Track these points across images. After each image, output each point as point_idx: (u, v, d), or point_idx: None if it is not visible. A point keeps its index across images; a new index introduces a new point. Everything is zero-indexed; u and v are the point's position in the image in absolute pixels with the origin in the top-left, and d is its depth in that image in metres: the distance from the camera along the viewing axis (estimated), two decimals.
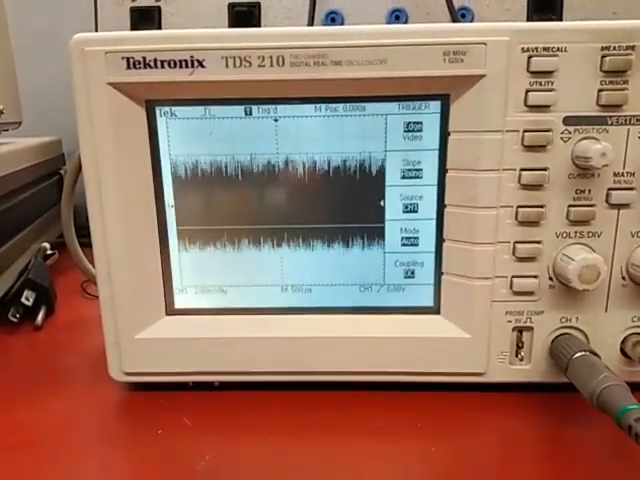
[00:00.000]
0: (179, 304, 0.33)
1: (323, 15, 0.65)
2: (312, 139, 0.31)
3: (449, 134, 0.30)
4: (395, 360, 0.32)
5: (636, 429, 0.23)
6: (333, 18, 0.65)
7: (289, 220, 0.32)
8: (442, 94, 0.29)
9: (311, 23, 0.62)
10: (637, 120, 0.28)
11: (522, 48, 0.28)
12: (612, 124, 0.28)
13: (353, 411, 0.31)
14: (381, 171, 0.31)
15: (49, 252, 0.53)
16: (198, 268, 0.33)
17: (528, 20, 0.64)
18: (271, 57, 0.27)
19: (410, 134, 0.31)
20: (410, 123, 0.30)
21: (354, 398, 0.32)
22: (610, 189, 0.29)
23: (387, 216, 0.32)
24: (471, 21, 0.64)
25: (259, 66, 0.28)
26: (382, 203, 0.32)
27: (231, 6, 0.66)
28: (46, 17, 0.73)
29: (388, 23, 0.64)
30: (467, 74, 0.28)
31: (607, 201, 0.29)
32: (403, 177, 0.31)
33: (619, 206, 0.29)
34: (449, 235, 0.31)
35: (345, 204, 0.32)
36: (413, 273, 0.33)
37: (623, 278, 0.30)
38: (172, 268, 0.33)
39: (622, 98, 0.28)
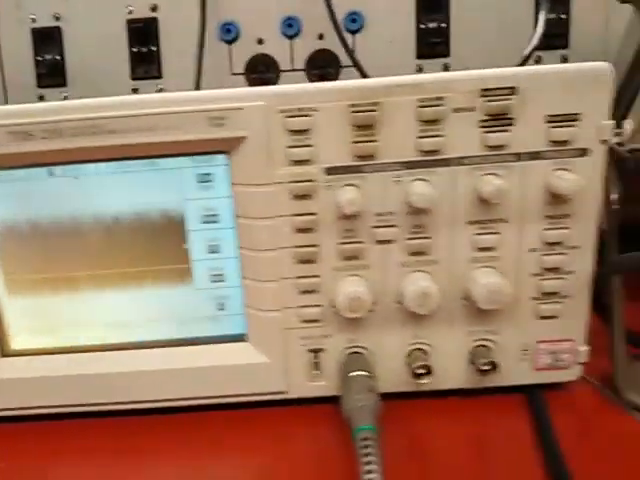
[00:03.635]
0: (14, 345, 0.37)
1: (219, 27, 0.67)
2: (114, 193, 0.34)
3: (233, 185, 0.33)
4: (209, 386, 0.35)
5: (359, 446, 0.27)
6: (229, 29, 0.67)
7: (104, 266, 0.35)
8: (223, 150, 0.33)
9: (202, 33, 0.64)
10: (389, 166, 0.32)
11: (279, 110, 0.31)
12: (368, 172, 0.32)
13: (169, 434, 0.35)
14: (182, 218, 0.34)
15: None
16: (28, 312, 0.36)
17: (417, 20, 0.67)
18: (50, 130, 0.30)
19: (203, 184, 0.34)
20: (202, 174, 0.34)
21: (169, 422, 0.36)
22: (374, 227, 0.33)
23: (193, 257, 0.35)
24: (361, 27, 0.66)
25: (42, 138, 0.31)
26: (185, 246, 0.35)
27: (129, 23, 0.68)
28: None
29: (282, 32, 0.67)
30: (229, 137, 0.31)
31: (373, 238, 0.33)
32: (203, 222, 0.35)
33: (384, 242, 0.33)
34: (245, 273, 0.35)
35: (153, 248, 0.35)
36: (223, 305, 0.36)
37: (399, 302, 0.34)
38: (3, 313, 0.36)
39: (373, 149, 0.31)
